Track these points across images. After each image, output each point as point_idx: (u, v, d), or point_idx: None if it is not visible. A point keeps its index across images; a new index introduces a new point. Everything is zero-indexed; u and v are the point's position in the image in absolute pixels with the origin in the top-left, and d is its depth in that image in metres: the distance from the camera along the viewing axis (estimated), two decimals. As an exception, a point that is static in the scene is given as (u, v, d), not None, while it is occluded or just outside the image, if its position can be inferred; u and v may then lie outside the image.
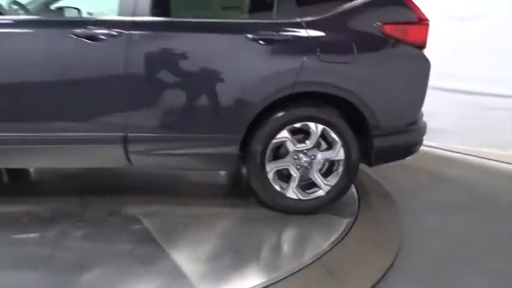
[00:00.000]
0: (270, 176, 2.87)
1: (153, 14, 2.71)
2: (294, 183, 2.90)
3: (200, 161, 2.83)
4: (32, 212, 2.80)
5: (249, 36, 2.68)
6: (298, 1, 2.82)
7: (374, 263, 2.48)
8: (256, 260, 2.44)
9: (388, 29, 2.82)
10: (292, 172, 2.90)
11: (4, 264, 2.27)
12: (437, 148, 5.04)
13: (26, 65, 2.60)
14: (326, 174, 2.98)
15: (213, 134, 2.75)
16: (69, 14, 3.34)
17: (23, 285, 2.11)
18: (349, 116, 2.91)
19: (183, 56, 2.65)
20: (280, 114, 2.80)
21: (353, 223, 2.91)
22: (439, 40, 4.74)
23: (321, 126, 2.83)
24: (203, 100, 2.71)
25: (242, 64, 2.70)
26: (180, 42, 2.68)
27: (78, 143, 2.68)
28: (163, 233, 2.60)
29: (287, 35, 2.72)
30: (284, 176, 2.97)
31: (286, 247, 2.68)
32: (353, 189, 3.44)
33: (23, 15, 3.04)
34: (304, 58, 2.71)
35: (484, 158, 4.76)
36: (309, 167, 2.89)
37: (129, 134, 2.69)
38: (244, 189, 3.01)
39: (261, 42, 2.68)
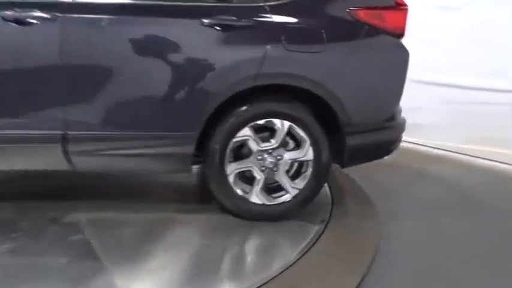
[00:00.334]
0: (231, 178, 2.57)
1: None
2: (257, 187, 2.60)
3: (151, 162, 2.52)
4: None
5: (205, 21, 2.36)
6: (261, -18, 2.51)
7: (342, 279, 2.20)
8: (216, 275, 2.17)
9: (362, 15, 2.53)
10: (255, 174, 2.59)
11: None
12: (421, 145, 4.78)
13: None
14: (295, 176, 2.70)
15: (164, 131, 2.44)
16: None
17: None
18: (320, 112, 2.63)
19: (128, 43, 2.33)
20: (241, 109, 2.50)
21: (323, 231, 2.62)
22: (423, 31, 4.51)
23: (287, 123, 2.53)
24: (152, 94, 2.40)
25: (196, 53, 2.39)
26: (124, 27, 2.37)
27: (11, 142, 2.35)
28: (105, 245, 2.28)
29: (248, 21, 2.41)
30: (248, 178, 2.69)
31: (249, 259, 2.41)
32: (327, 191, 3.16)
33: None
34: (268, 47, 2.41)
35: (470, 156, 4.51)
36: (274, 169, 2.59)
37: (69, 132, 2.36)
38: (205, 194, 2.71)
39: (218, 28, 2.37)
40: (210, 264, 2.23)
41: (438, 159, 4.54)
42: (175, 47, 2.37)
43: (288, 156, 2.60)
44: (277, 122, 2.52)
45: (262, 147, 2.56)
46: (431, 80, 4.71)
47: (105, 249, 2.24)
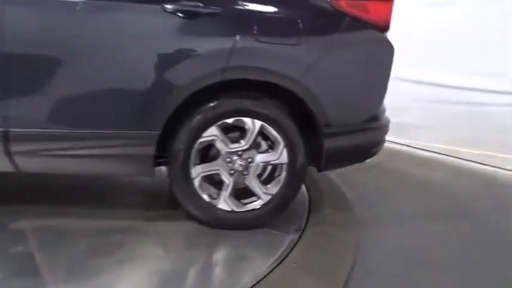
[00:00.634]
0: (196, 182, 2.32)
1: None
2: (225, 192, 2.36)
3: (106, 164, 2.27)
4: None
5: (167, 7, 2.10)
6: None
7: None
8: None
9: (344, 5, 2.30)
10: (224, 178, 2.35)
11: None
12: (408, 146, 4.58)
13: None
14: (268, 181, 2.46)
15: (120, 130, 2.18)
16: None
17: None
18: (296, 111, 2.40)
19: (78, 29, 2.08)
20: (208, 107, 2.25)
21: (297, 241, 2.39)
22: (411, 27, 4.32)
23: (258, 123, 2.29)
24: (106, 87, 2.15)
25: (156, 42, 2.14)
26: (74, 11, 2.09)
27: None
28: (50, 259, 2.02)
29: (215, 8, 2.15)
30: (217, 182, 2.45)
31: (215, 272, 2.17)
32: (306, 196, 2.93)
33: None
34: (237, 37, 2.16)
35: (458, 158, 4.33)
36: (245, 172, 2.35)
37: (11, 130, 2.10)
38: (170, 199, 2.47)
39: (182, 15, 2.12)
40: (171, 279, 1.99)
41: (425, 161, 4.34)
42: (132, 35, 2.11)
43: (259, 158, 2.36)
44: (247, 121, 2.28)
45: (231, 148, 2.32)
46: (418, 79, 4.52)
47: (49, 264, 1.98)
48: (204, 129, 2.25)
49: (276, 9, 2.24)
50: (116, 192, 2.84)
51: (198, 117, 2.24)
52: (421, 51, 4.35)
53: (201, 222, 2.41)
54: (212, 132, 2.27)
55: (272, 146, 2.38)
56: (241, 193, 2.43)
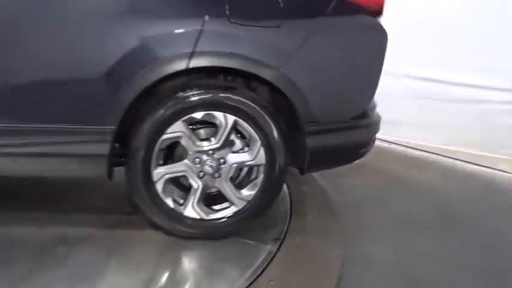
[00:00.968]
0: (159, 186, 2.02)
1: None
2: (194, 197, 2.06)
3: (53, 163, 1.93)
4: None
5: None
6: None
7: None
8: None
9: (331, -17, 2.01)
10: (191, 181, 2.05)
11: None
12: (399, 144, 4.32)
13: None
14: (242, 184, 2.16)
15: (69, 124, 1.86)
16: None
17: None
18: (275, 105, 2.10)
19: (14, 7, 1.75)
20: (172, 99, 1.93)
21: (276, 252, 2.11)
22: (404, 19, 4.05)
23: (231, 118, 1.98)
24: (50, 74, 1.82)
25: (109, 22, 1.82)
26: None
27: None
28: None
29: (180, -18, 1.85)
30: (184, 186, 2.14)
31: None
32: (287, 200, 2.65)
33: None
34: (206, 18, 1.85)
35: (451, 158, 4.08)
36: (216, 175, 2.05)
37: None
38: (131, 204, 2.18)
39: (140, -10, 1.81)
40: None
41: (416, 161, 4.07)
42: (80, 14, 1.79)
43: (233, 159, 2.05)
44: (218, 115, 1.97)
45: (199, 147, 2.01)
46: (409, 73, 4.25)
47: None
48: (168, 124, 1.94)
49: (253, -15, 1.94)
50: (70, 194, 2.48)
51: (161, 111, 1.93)
52: (413, 42, 4.07)
53: (166, 231, 2.11)
54: (177, 128, 1.95)
55: (248, 145, 2.09)
56: (212, 198, 2.14)
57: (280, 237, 2.23)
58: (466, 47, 3.94)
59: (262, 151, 2.04)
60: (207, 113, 1.96)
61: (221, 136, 2.00)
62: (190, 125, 2.01)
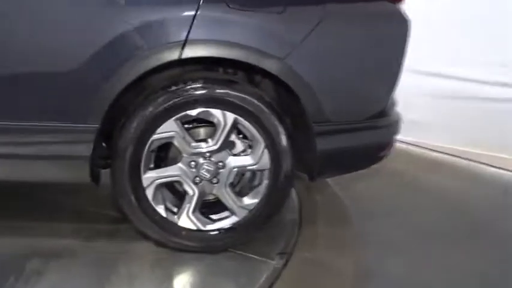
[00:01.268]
0: (149, 192, 1.79)
1: None
2: (189, 206, 1.83)
3: (26, 166, 1.72)
4: None
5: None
6: None
7: None
8: None
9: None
10: (186, 188, 1.82)
11: None
12: (415, 145, 4.04)
13: None
14: (244, 191, 1.93)
15: (48, 122, 1.64)
16: None
17: None
18: (281, 102, 1.87)
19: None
20: (163, 94, 1.71)
21: (282, 269, 1.86)
22: (424, 12, 3.79)
23: (231, 116, 1.75)
24: (19, 64, 1.60)
25: (88, 8, 1.61)
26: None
27: None
28: None
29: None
30: (179, 193, 1.92)
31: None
32: (295, 208, 2.40)
33: None
34: (201, 1, 1.62)
35: (473, 161, 3.79)
36: (214, 180, 1.82)
37: None
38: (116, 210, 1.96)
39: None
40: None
41: (436, 164, 3.77)
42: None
43: (233, 162, 1.82)
44: (216, 113, 1.74)
45: (195, 148, 1.78)
46: (427, 70, 3.98)
47: None
48: (159, 123, 1.71)
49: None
50: (46, 197, 2.26)
51: (150, 107, 1.70)
52: (431, 36, 3.81)
53: (157, 243, 1.88)
54: (169, 127, 1.73)
55: (250, 147, 1.85)
56: (210, 207, 1.91)
57: (286, 251, 1.98)
58: (492, 41, 3.67)
59: (266, 154, 1.80)
60: (203, 110, 1.73)
61: (219, 136, 1.77)
62: (184, 124, 1.79)
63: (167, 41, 1.61)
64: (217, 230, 1.87)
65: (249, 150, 1.84)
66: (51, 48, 1.59)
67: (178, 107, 1.71)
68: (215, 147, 1.78)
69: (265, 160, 1.81)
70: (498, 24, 3.60)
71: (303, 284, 1.83)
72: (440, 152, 3.92)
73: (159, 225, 1.83)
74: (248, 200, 1.87)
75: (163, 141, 1.77)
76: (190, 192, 1.82)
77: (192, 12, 1.61)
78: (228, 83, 1.77)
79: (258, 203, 1.86)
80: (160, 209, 1.82)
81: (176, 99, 1.70)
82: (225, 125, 1.75)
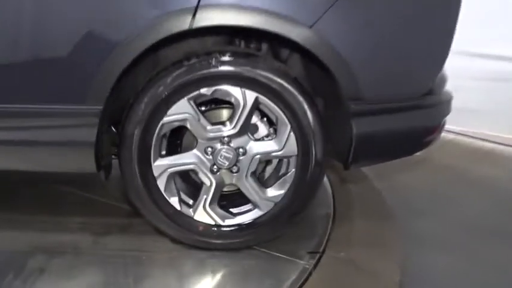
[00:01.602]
0: (161, 182, 1.59)
1: None
2: (206, 197, 1.62)
3: (25, 154, 1.55)
4: None
5: None
6: None
7: None
8: None
9: None
10: (203, 177, 1.61)
11: None
12: (464, 135, 3.68)
13: None
14: (269, 182, 1.71)
15: (40, 104, 1.46)
16: None
17: None
18: (311, 78, 1.62)
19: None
20: (173, 70, 1.50)
21: (311, 270, 1.62)
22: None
23: (252, 95, 1.52)
24: (9, 37, 1.42)
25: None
26: None
27: None
28: None
29: None
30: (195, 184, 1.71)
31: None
32: (328, 202, 2.15)
33: None
34: (214, -42, 1.40)
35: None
36: (234, 169, 1.61)
37: None
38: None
39: None
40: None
41: (487, 155, 3.42)
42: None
43: (255, 148, 1.59)
44: (234, 91, 1.52)
45: (211, 133, 1.57)
46: (479, 51, 3.62)
47: None
48: (170, 103, 1.51)
49: None
50: (57, 190, 2.09)
51: (160, 88, 1.49)
52: (482, 15, 3.45)
53: (172, 238, 1.69)
54: (182, 108, 1.52)
55: (274, 130, 1.62)
56: (230, 200, 1.70)
57: (318, 249, 1.74)
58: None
59: (292, 138, 1.56)
60: (218, 89, 1.51)
61: (239, 118, 1.54)
62: (201, 106, 1.58)
63: (174, 8, 1.39)
64: (238, 225, 1.65)
65: (274, 135, 1.62)
66: (46, 20, 1.40)
67: (191, 85, 1.49)
68: (234, 131, 1.56)
69: (292, 145, 1.57)
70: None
71: (337, 286, 1.59)
72: (495, 142, 3.58)
73: (173, 219, 1.63)
74: (273, 192, 1.64)
75: (175, 125, 1.55)
76: (207, 182, 1.61)
77: (204, -28, 1.39)
78: (248, 57, 1.53)
79: (285, 195, 1.63)
80: (174, 201, 1.62)
81: (188, 76, 1.48)
82: (245, 105, 1.52)
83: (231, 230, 1.65)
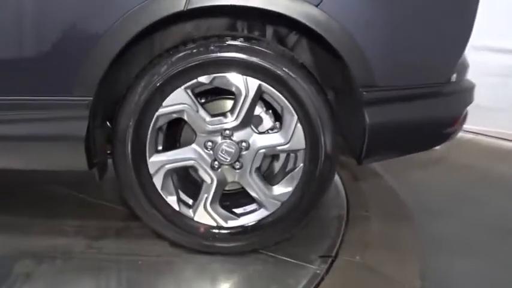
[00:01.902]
0: (157, 180, 1.46)
1: None
2: (207, 196, 1.49)
3: (8, 151, 1.43)
4: None
5: None
6: None
7: None
8: None
9: None
10: (203, 175, 1.48)
11: None
12: (483, 135, 3.51)
13: None
14: (276, 179, 1.58)
15: (21, 96, 1.35)
16: None
17: None
18: (320, 64, 1.49)
19: None
20: (168, 57, 1.38)
21: (323, 276, 1.48)
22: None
23: (254, 82, 1.39)
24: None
25: None
26: None
27: None
28: None
29: None
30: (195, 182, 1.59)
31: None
32: (341, 203, 2.00)
33: None
34: None
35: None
36: (236, 165, 1.48)
37: None
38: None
39: None
40: None
41: (509, 155, 3.27)
42: None
43: (259, 142, 1.46)
44: (235, 79, 1.39)
45: (211, 125, 1.45)
46: (498, 46, 3.46)
47: None
48: (165, 93, 1.38)
49: None
50: (50, 191, 1.98)
51: (155, 76, 1.37)
52: (503, 8, 3.29)
53: (171, 241, 1.56)
54: (178, 98, 1.39)
55: (279, 122, 1.49)
56: (233, 199, 1.57)
57: (331, 253, 1.60)
58: None
59: (299, 130, 1.43)
60: (218, 76, 1.38)
61: (240, 109, 1.41)
62: (198, 95, 1.46)
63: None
64: (242, 226, 1.52)
65: (279, 129, 1.49)
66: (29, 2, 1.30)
67: (188, 73, 1.37)
68: (236, 123, 1.43)
69: (299, 138, 1.44)
70: None
71: (351, 294, 1.45)
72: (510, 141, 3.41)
73: (171, 220, 1.50)
74: (280, 189, 1.50)
75: (172, 117, 1.43)
76: (208, 179, 1.48)
77: None
78: (249, 41, 1.41)
79: (292, 193, 1.49)
80: (172, 201, 1.49)
81: (185, 63, 1.36)
82: (247, 94, 1.39)
83: (234, 232, 1.52)
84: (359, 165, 1.54)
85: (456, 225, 2.04)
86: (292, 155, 1.51)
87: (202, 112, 1.42)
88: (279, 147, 1.46)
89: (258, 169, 1.49)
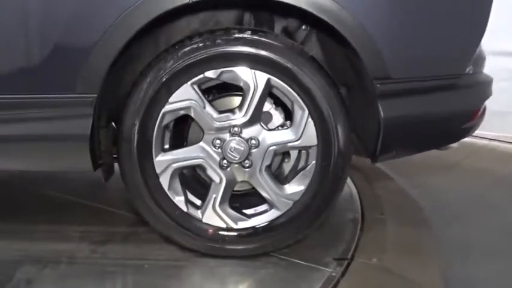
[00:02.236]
0: (164, 180, 1.41)
1: None
2: (216, 197, 1.43)
3: (10, 151, 1.39)
4: None
5: None
6: None
7: None
8: None
9: None
10: (211, 174, 1.43)
11: None
12: (497, 141, 3.42)
13: None
14: (288, 178, 1.51)
15: (21, 94, 1.31)
16: None
17: None
18: (330, 56, 1.45)
19: None
20: (174, 51, 1.33)
21: (339, 279, 1.40)
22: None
23: (263, 76, 1.34)
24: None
25: None
26: None
27: None
28: None
29: None
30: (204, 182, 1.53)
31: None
32: (355, 205, 1.94)
33: None
34: None
35: None
36: (246, 163, 1.42)
37: None
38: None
39: None
40: None
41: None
42: None
43: (269, 139, 1.40)
44: (243, 73, 1.34)
45: (219, 121, 1.40)
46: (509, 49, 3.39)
47: None
48: (171, 90, 1.34)
49: None
50: (56, 196, 1.93)
51: (160, 71, 1.34)
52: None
53: (179, 245, 1.50)
54: (185, 94, 1.34)
55: (289, 118, 1.43)
56: (243, 200, 1.51)
57: (346, 256, 1.53)
58: None
59: (311, 125, 1.37)
60: (225, 70, 1.34)
61: (249, 104, 1.36)
62: (204, 93, 1.41)
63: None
64: (253, 228, 1.45)
65: (289, 124, 1.43)
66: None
67: (195, 67, 1.32)
68: (245, 120, 1.38)
69: (311, 134, 1.38)
70: None
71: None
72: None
73: (178, 222, 1.43)
74: (291, 188, 1.43)
75: (178, 114, 1.38)
76: (217, 179, 1.42)
77: None
78: (256, 33, 1.36)
79: (305, 192, 1.42)
80: (180, 202, 1.43)
81: (191, 57, 1.32)
82: (256, 88, 1.34)
83: (244, 234, 1.45)
84: (373, 163, 1.48)
85: (474, 229, 1.96)
86: (303, 152, 1.45)
87: (209, 108, 1.37)
88: (289, 144, 1.41)
89: (269, 167, 1.43)
